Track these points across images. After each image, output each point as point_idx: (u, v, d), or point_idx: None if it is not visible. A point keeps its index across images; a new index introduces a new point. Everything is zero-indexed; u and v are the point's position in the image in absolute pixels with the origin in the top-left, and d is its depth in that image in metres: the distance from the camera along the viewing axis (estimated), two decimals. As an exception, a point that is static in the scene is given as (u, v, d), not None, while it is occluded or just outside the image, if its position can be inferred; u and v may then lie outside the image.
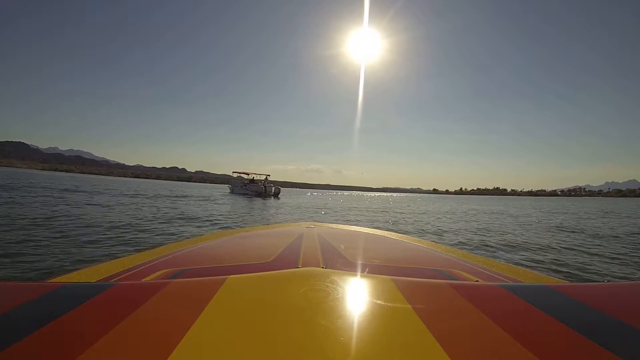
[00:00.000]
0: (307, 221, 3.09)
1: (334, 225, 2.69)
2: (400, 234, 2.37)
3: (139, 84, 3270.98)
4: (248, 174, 41.05)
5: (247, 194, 35.49)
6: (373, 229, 2.61)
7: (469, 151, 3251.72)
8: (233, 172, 43.29)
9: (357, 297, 0.59)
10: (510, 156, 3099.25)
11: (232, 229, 3.36)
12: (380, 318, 0.52)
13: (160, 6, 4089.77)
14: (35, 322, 0.49)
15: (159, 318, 0.52)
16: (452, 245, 6.85)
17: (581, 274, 5.25)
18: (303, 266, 1.04)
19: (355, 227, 2.69)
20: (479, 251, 7.06)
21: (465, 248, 7.42)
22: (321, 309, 0.54)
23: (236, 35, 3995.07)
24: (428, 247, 1.84)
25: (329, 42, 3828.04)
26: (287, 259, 1.19)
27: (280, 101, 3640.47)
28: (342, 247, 1.48)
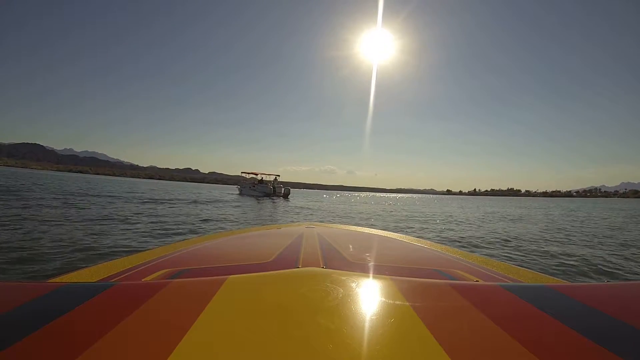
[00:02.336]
0: (307, 221, 3.06)
1: (334, 225, 2.68)
2: (400, 234, 2.36)
3: (153, 86, 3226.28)
4: (257, 174, 39.86)
5: (255, 195, 34.19)
6: (373, 229, 2.60)
7: (481, 151, 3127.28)
8: (242, 172, 42.26)
9: (357, 297, 0.59)
10: (523, 156, 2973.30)
11: (231, 229, 3.22)
12: (381, 318, 0.52)
13: (174, 7, 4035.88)
14: (35, 322, 0.49)
15: (159, 318, 0.52)
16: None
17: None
18: (303, 266, 1.04)
19: (355, 227, 2.68)
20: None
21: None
22: (321, 309, 0.54)
23: (249, 37, 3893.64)
24: (428, 247, 1.83)
25: (341, 42, 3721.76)
26: (287, 259, 1.18)
27: (294, 102, 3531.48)
28: (342, 247, 1.48)
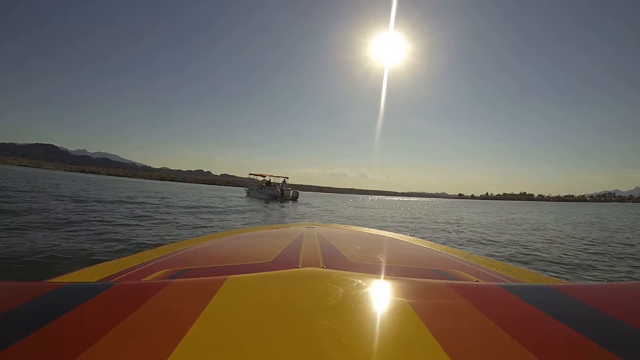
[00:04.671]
0: (307, 221, 3.01)
1: (334, 225, 2.68)
2: (400, 234, 2.35)
3: (166, 88, 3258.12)
4: (264, 176, 38.73)
5: (263, 198, 32.86)
6: (373, 229, 2.60)
7: (492, 155, 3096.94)
8: (250, 173, 41.09)
9: (357, 297, 0.59)
10: (534, 160, 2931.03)
11: (232, 229, 3.35)
12: (381, 318, 0.52)
13: (186, 10, 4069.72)
14: (35, 322, 0.48)
15: (159, 318, 0.52)
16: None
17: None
18: (303, 266, 1.03)
19: (356, 227, 2.68)
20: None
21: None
22: (321, 309, 0.54)
23: (262, 39, 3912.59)
24: (428, 247, 1.83)
25: (353, 45, 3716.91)
26: (287, 259, 1.18)
27: (306, 105, 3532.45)
28: (342, 247, 1.47)
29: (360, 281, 0.66)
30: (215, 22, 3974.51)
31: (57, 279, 1.06)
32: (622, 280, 4.62)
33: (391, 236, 2.22)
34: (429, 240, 2.26)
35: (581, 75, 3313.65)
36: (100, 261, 1.33)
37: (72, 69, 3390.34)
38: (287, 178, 38.54)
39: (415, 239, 2.19)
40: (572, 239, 10.16)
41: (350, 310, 0.54)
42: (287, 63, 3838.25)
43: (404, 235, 2.27)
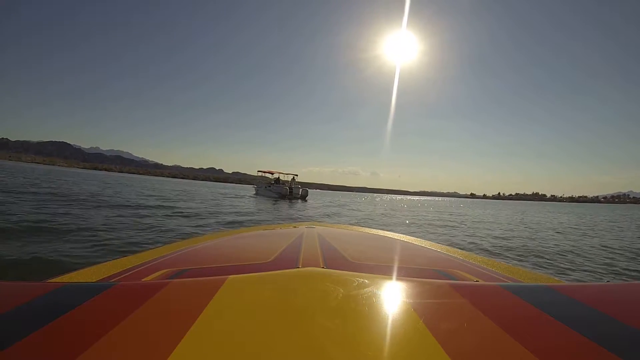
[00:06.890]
0: (307, 221, 3.01)
1: (334, 225, 2.67)
2: (400, 234, 2.35)
3: (178, 87, 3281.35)
4: (272, 173, 37.29)
5: (271, 196, 31.62)
6: (373, 229, 2.60)
7: (504, 154, 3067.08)
8: (258, 170, 39.73)
9: (357, 297, 0.59)
10: (546, 160, 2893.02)
11: (232, 229, 3.43)
12: (381, 318, 0.52)
13: (199, 9, 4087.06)
14: (35, 322, 0.49)
15: (159, 318, 0.52)
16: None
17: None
18: (303, 266, 1.03)
19: (356, 227, 2.68)
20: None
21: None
22: (321, 309, 0.54)
23: (272, 39, 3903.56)
24: (428, 247, 1.83)
25: (364, 44, 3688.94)
26: (287, 259, 1.18)
27: (317, 103, 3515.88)
28: (342, 247, 1.47)
29: (360, 281, 0.66)
30: (226, 21, 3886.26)
31: (57, 279, 1.06)
32: (622, 281, 4.67)
33: (391, 236, 2.21)
34: (429, 240, 2.24)
35: (596, 77, 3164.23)
36: (101, 261, 1.32)
37: (87, 68, 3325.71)
38: (297, 175, 36.93)
39: (416, 239, 2.18)
40: None
41: (350, 310, 0.54)
42: (299, 62, 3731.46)
43: (404, 235, 2.27)
